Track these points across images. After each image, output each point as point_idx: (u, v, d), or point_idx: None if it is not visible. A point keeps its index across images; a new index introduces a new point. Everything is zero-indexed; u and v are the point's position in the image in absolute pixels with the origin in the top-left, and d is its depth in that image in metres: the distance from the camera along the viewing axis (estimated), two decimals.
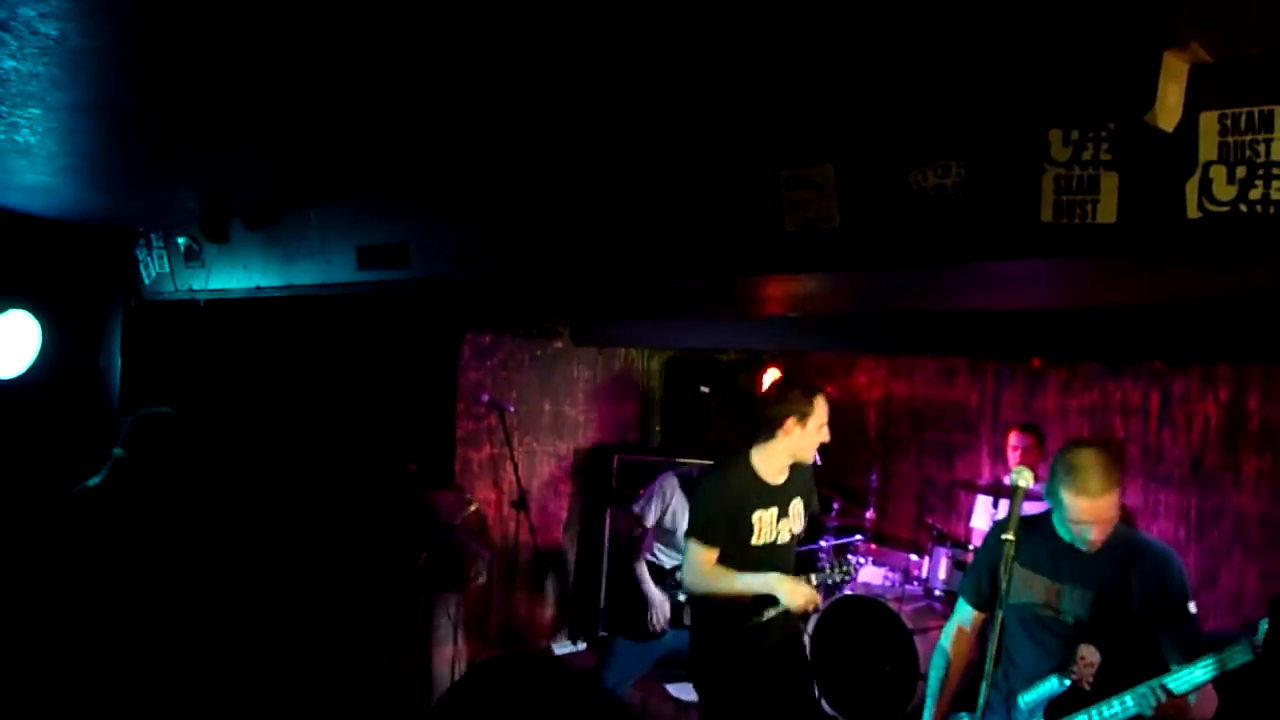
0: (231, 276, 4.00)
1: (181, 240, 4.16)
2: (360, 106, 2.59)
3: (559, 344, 6.61)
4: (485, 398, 5.98)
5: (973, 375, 6.44)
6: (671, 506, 4.40)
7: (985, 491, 5.65)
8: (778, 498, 3.61)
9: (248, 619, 4.05)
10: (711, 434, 6.62)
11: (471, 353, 6.13)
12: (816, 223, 2.30)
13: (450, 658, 5.17)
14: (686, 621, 4.09)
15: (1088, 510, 2.72)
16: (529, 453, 6.50)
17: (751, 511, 3.54)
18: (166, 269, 4.35)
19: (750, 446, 3.64)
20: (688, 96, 2.52)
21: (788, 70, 2.07)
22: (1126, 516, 3.19)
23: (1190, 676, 2.57)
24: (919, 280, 3.28)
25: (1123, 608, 2.77)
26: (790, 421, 3.56)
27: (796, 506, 3.71)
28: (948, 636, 3.16)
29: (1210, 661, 2.55)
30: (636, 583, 4.44)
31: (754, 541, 3.55)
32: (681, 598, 4.28)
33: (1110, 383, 5.88)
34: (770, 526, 3.60)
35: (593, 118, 2.69)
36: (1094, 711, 2.69)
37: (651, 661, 4.56)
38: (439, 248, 3.15)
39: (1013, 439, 5.46)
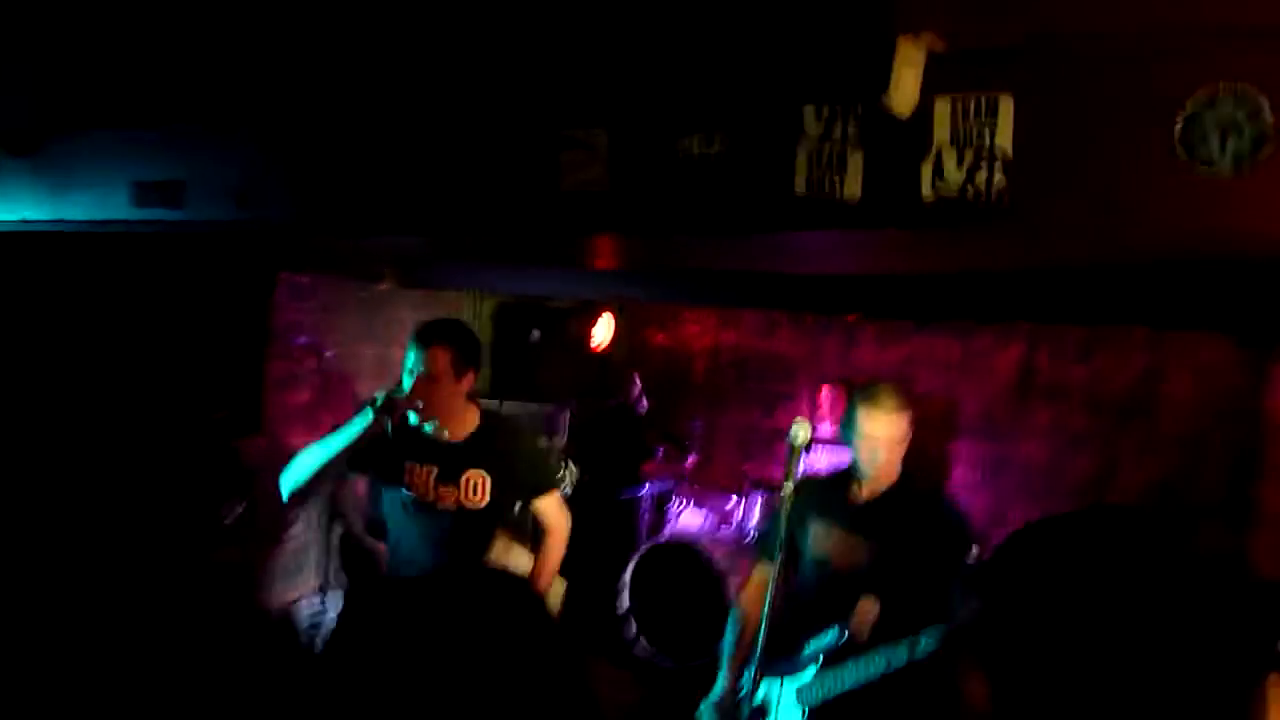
0: None
1: None
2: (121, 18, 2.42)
3: (385, 286, 6.43)
4: (302, 340, 5.78)
5: (795, 328, 6.66)
6: None
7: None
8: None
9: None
10: (540, 379, 6.63)
11: (288, 294, 5.89)
12: (588, 185, 2.31)
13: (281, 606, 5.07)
14: None
15: (882, 425, 2.84)
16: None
17: None
18: None
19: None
20: (482, 60, 2.49)
21: (569, 41, 2.10)
22: (932, 476, 3.26)
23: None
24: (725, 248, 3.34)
25: (901, 560, 2.84)
26: None
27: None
28: (744, 597, 3.15)
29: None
30: None
31: None
32: None
33: (918, 338, 6.19)
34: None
35: (373, 69, 2.60)
36: (861, 663, 2.73)
37: None
38: (220, 187, 2.99)
39: (824, 393, 5.66)
